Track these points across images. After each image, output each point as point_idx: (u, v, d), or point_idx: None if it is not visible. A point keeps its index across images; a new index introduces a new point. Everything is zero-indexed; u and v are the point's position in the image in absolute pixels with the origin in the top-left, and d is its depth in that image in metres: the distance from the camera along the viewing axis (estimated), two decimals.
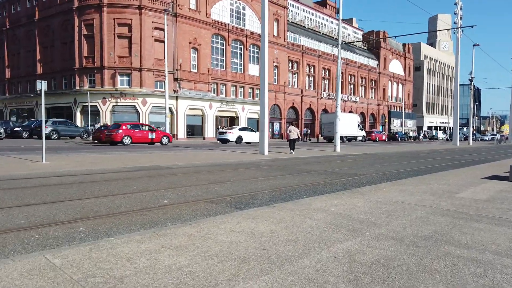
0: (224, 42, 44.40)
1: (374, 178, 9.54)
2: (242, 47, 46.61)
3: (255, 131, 32.65)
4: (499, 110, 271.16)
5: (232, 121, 46.13)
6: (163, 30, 37.62)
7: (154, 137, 25.74)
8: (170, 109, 38.82)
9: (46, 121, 29.60)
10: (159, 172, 9.71)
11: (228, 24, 44.38)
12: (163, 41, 37.80)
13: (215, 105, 42.90)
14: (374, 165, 13.29)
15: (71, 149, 18.68)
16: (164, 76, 37.63)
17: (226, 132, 30.67)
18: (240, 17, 46.20)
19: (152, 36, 37.17)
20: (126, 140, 24.08)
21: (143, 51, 36.80)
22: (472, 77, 39.49)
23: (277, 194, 6.90)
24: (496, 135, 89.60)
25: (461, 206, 5.77)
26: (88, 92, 35.35)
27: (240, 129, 31.77)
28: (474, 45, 39.85)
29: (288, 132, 20.80)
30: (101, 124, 31.65)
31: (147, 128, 26.34)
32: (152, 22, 36.89)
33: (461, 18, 37.63)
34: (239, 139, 30.29)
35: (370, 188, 7.41)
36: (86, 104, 36.09)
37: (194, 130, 42.14)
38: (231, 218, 4.54)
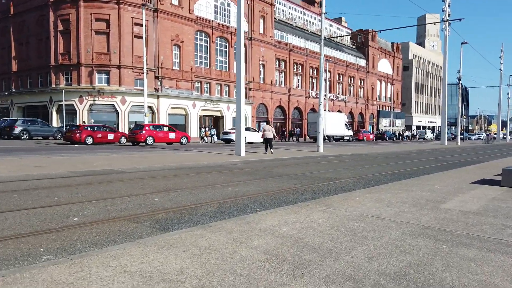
0: (208, 39, 43.11)
1: (350, 184, 8.44)
2: (227, 44, 45.37)
3: (257, 131, 33.73)
4: (487, 110, 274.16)
5: (217, 120, 44.89)
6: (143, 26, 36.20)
7: (174, 137, 27.08)
8: (151, 108, 37.44)
9: (16, 121, 28.13)
10: (105, 178, 8.47)
11: (212, 20, 43.10)
12: (143, 37, 36.42)
13: (198, 104, 41.60)
14: (354, 168, 12.21)
15: (32, 151, 17.27)
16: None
17: (229, 132, 31.44)
18: (225, 13, 44.96)
19: (132, 32, 35.72)
20: (149, 140, 25.25)
21: (122, 47, 35.34)
22: (460, 76, 38.86)
23: (226, 207, 5.73)
24: (482, 134, 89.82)
25: (446, 222, 4.68)
26: (63, 90, 33.74)
27: (245, 130, 32.20)
28: (462, 43, 39.26)
29: (262, 131, 19.76)
30: (72, 124, 30.17)
31: (167, 129, 27.74)
32: (132, 17, 35.45)
33: (449, 15, 36.95)
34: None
35: (341, 197, 6.29)
36: (62, 102, 34.48)
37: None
38: (138, 248, 3.35)
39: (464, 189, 7.45)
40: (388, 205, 5.65)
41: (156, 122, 37.90)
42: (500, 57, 53.13)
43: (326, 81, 61.71)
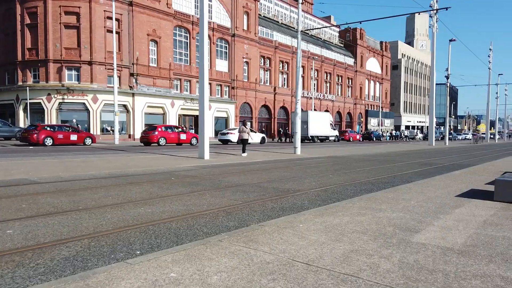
0: (188, 35, 41.24)
1: (306, 199, 6.75)
2: (209, 41, 43.46)
3: (255, 132, 33.99)
4: (475, 110, 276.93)
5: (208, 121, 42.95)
6: (117, 20, 34.26)
7: (185, 138, 27.51)
8: (125, 106, 35.53)
9: None
10: None
11: (193, 16, 41.24)
12: (118, 32, 34.49)
13: (177, 103, 39.70)
14: (325, 174, 10.54)
15: None
16: (119, 70, 34.28)
17: (227, 133, 30.97)
18: None
19: (104, 27, 33.70)
20: (162, 141, 25.78)
21: (94, 42, 33.31)
22: (448, 74, 37.61)
23: (89, 251, 3.98)
24: (467, 133, 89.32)
25: (416, 274, 3.01)
26: (27, 88, 31.57)
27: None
28: (450, 40, 38.01)
29: (239, 132, 18.22)
30: (30, 124, 28.10)
31: (178, 130, 28.15)
32: (104, 11, 33.43)
33: (436, 11, 35.66)
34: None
35: (280, 222, 4.59)
36: (30, 101, 32.32)
37: None
38: None
39: (448, 206, 5.81)
40: (339, 238, 3.97)
41: (132, 121, 36.00)
42: (489, 56, 52.22)
43: (313, 80, 60.24)
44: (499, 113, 63.88)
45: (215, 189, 7.49)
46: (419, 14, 18.00)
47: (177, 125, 35.27)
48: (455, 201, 6.31)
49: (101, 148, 22.38)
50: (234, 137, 29.60)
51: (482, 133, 74.03)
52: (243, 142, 17.57)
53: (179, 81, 40.50)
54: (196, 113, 42.51)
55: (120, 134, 35.76)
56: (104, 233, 4.32)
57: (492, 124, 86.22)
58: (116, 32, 34.50)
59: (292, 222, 4.61)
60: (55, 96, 32.33)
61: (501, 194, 6.43)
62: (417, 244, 3.85)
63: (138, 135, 36.28)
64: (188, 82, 41.47)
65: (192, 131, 35.07)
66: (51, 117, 32.10)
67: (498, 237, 4.17)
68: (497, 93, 59.95)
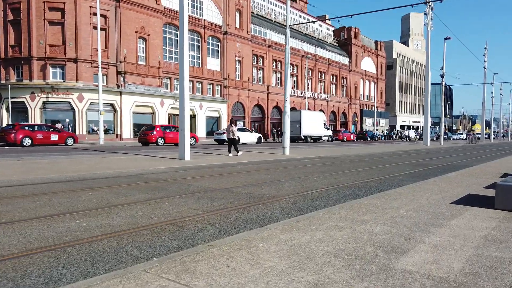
0: (178, 32, 40.17)
1: (280, 207, 5.87)
2: (199, 38, 42.57)
3: (251, 132, 33.84)
4: (471, 109, 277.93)
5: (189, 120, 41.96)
6: (103, 16, 33.29)
7: None
8: (112, 105, 34.53)
9: None
10: None
11: None
12: (104, 29, 33.52)
13: (167, 102, 38.73)
14: (309, 177, 9.68)
15: None
16: (105, 68, 33.33)
17: (223, 133, 30.50)
18: (196, 5, 42.13)
19: (90, 23, 32.67)
20: (160, 141, 25.67)
21: (79, 39, 32.28)
22: (443, 72, 36.94)
23: None
24: (462, 133, 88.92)
25: None
26: (9, 86, 30.47)
27: (238, 130, 31.96)
28: (445, 38, 37.30)
29: (227, 132, 17.53)
30: (9, 123, 27.05)
31: (177, 130, 28.10)
32: (90, 7, 32.39)
33: (431, 9, 34.96)
34: (237, 139, 30.18)
35: (236, 241, 3.71)
36: (13, 99, 31.25)
37: None
38: None
39: (442, 217, 4.95)
40: (303, 265, 3.10)
41: (119, 121, 35.01)
42: (484, 55, 51.68)
43: (307, 79, 59.42)
44: (494, 113, 63.37)
45: (178, 196, 6.59)
46: (412, 6, 17.18)
47: (175, 125, 34.37)
48: (450, 210, 5.46)
49: (82, 148, 21.40)
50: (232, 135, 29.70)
51: (477, 133, 73.59)
52: (230, 142, 17.06)
53: (169, 79, 39.52)
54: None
55: (107, 134, 34.83)
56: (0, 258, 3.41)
57: (487, 124, 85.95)
58: (103, 29, 33.54)
59: (250, 241, 3.73)
60: (39, 94, 31.27)
61: (503, 202, 5.59)
62: (402, 272, 2.99)
63: (126, 135, 35.33)
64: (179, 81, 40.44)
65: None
66: (35, 117, 31.04)
67: (505, 260, 3.32)
68: (492, 92, 59.42)
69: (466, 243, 3.81)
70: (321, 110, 62.78)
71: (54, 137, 22.68)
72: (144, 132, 26.44)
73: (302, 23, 42.96)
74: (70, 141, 23.59)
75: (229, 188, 7.43)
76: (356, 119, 73.02)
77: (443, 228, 4.37)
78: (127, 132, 35.37)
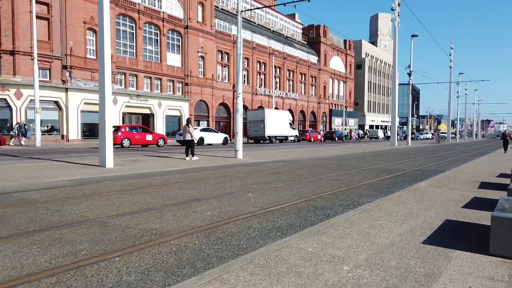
0: (133, 25, 37.27)
1: (151, 264, 3.64)
2: (158, 32, 39.71)
3: (217, 132, 32.27)
4: (436, 109, 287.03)
5: (146, 119, 39.14)
6: (45, 4, 29.99)
7: (151, 139, 25.71)
8: (57, 103, 31.24)
9: None
10: None
11: (139, 4, 37.31)
12: (47, 18, 30.23)
13: (121, 100, 35.69)
14: (243, 192, 7.53)
15: None
16: (48, 62, 30.06)
17: None
18: None
19: (30, 11, 29.16)
20: (126, 142, 24.02)
21: (17, 29, 28.81)
22: (411, 71, 35.98)
23: None
24: (428, 133, 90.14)
25: None
26: None
27: (201, 130, 29.95)
28: (412, 36, 36.38)
29: (183, 133, 15.56)
30: None
31: (144, 130, 26.47)
32: None
33: (398, 5, 33.87)
34: (201, 140, 28.67)
35: None
36: None
37: (95, 130, 34.56)
38: None
39: (411, 279, 2.89)
40: None
41: (65, 120, 31.72)
42: (450, 55, 51.63)
43: (274, 77, 57.62)
44: (459, 113, 64.01)
45: (3, 238, 4.23)
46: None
47: (142, 125, 31.70)
48: (423, 260, 3.42)
49: (1, 153, 18.34)
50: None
51: (442, 133, 74.30)
52: (187, 144, 15.14)
53: (123, 75, 36.47)
54: (144, 111, 38.74)
55: (51, 134, 31.53)
56: None
57: (453, 123, 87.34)
58: (45, 18, 30.26)
59: None
60: None
61: (503, 244, 3.60)
62: None
63: (73, 135, 32.10)
64: (134, 77, 37.50)
65: (23, 128, 29.10)
66: None
67: None
68: (458, 92, 59.86)
69: None
70: (289, 110, 61.15)
71: None
72: None
73: (254, 9, 40.83)
74: None
75: (108, 218, 5.11)
76: (325, 118, 72.07)
77: None
78: (74, 132, 32.12)
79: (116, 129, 24.60)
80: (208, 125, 44.68)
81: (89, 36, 33.08)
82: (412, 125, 68.37)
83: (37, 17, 29.79)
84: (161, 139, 26.44)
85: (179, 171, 11.07)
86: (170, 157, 16.28)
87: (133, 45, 37.31)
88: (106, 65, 11.55)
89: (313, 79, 68.56)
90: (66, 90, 31.35)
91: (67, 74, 31.59)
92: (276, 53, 53.06)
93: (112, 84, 34.65)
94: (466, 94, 63.41)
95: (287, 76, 61.44)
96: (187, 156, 14.98)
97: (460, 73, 55.82)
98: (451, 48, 50.77)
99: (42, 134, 30.06)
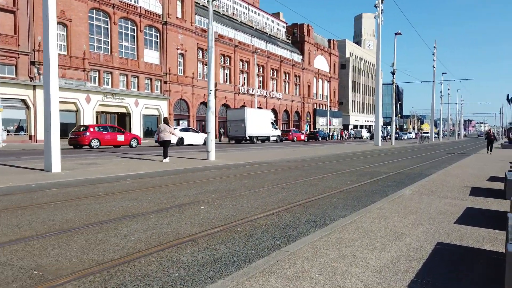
0: (108, 20, 35.56)
1: None
2: (135, 28, 38.07)
3: (198, 132, 31.23)
4: (419, 109, 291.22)
5: (122, 118, 37.46)
6: None
7: (123, 139, 24.40)
8: (24, 101, 29.41)
9: None
10: None
11: None
12: (13, 11, 28.37)
13: (95, 98, 33.95)
14: (198, 203, 6.33)
15: None
16: (14, 58, 28.22)
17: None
18: None
19: None
20: (95, 143, 22.50)
21: None
22: (394, 69, 35.31)
23: None
24: (411, 133, 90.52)
25: None
26: None
27: (181, 130, 28.91)
28: (396, 34, 35.71)
29: (158, 132, 14.33)
30: None
31: (114, 130, 24.95)
32: None
33: (382, 1, 33.11)
34: (181, 140, 27.70)
35: None
36: None
37: (67, 130, 32.73)
38: None
39: None
40: None
41: (33, 120, 29.88)
42: (433, 54, 51.41)
43: (258, 77, 56.49)
44: (442, 113, 63.98)
45: None
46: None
47: (113, 124, 30.08)
48: None
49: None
50: (173, 137, 26.49)
51: (425, 132, 74.41)
52: (163, 144, 14.04)
53: (97, 72, 34.72)
54: (120, 110, 37.03)
55: (17, 135, 29.68)
56: None
57: (436, 123, 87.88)
58: (11, 11, 28.39)
59: None
60: None
61: None
62: None
63: (41, 136, 30.21)
64: (109, 74, 35.79)
65: None
66: None
67: None
68: (441, 91, 59.84)
69: None
70: (273, 109, 60.13)
71: None
72: (76, 133, 23.13)
73: None
74: None
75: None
76: (310, 118, 71.33)
77: None
78: (43, 132, 30.24)
79: (84, 129, 23.18)
80: (188, 124, 43.22)
81: (59, 31, 31.28)
82: (396, 125, 68.30)
83: (1, 9, 28.02)
84: (134, 140, 25.01)
85: (135, 176, 9.77)
86: (138, 158, 14.93)
87: (108, 41, 35.61)
88: (52, 57, 10.17)
89: (297, 78, 67.68)
90: (34, 87, 29.52)
91: (35, 70, 29.76)
92: (259, 51, 51.86)
93: (84, 81, 33.08)
94: (449, 94, 63.53)
95: (271, 75, 60.37)
96: (165, 157, 13.89)
97: (443, 73, 55.73)
98: (434, 47, 50.54)
99: (8, 134, 28.24)
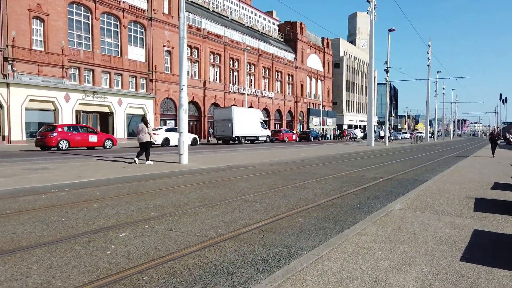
0: (89, 14, 33.93)
1: None
2: (118, 23, 36.45)
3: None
4: (414, 109, 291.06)
5: (105, 118, 35.84)
6: None
7: (96, 140, 23.02)
8: None
9: None
10: None
11: None
12: None
13: (74, 97, 32.29)
14: (125, 225, 4.87)
15: None
16: None
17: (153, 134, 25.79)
18: None
19: None
20: (63, 144, 20.94)
21: None
22: (388, 67, 34.01)
23: None
24: (406, 133, 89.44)
25: None
26: None
27: (167, 130, 27.88)
28: (389, 30, 34.44)
29: (137, 133, 13.44)
30: None
31: (86, 130, 23.35)
32: None
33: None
34: (166, 141, 26.77)
35: None
36: None
37: None
38: None
39: None
40: None
41: (7, 119, 28.19)
42: (428, 52, 50.26)
43: (249, 75, 55.04)
44: (437, 112, 62.90)
45: None
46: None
47: (77, 123, 28.48)
48: None
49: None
50: (157, 138, 25.61)
51: (419, 132, 73.33)
52: (143, 146, 13.23)
53: (77, 69, 33.08)
54: (102, 109, 35.39)
55: None
56: None
57: (430, 123, 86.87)
58: None
59: None
60: None
61: None
62: None
63: (16, 136, 28.61)
64: (91, 72, 34.15)
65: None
66: None
67: None
68: (435, 91, 58.74)
69: None
70: (265, 109, 58.73)
71: None
72: (42, 134, 21.40)
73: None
74: None
75: None
76: (303, 117, 70.00)
77: None
78: (18, 133, 28.62)
79: (52, 129, 21.50)
80: (175, 124, 41.55)
81: (36, 26, 29.62)
82: (390, 125, 67.11)
83: None
84: (109, 140, 23.42)
85: (79, 184, 8.27)
86: (104, 161, 13.42)
87: (89, 37, 33.96)
88: None
89: (290, 77, 66.30)
90: (8, 85, 27.84)
91: (9, 67, 28.07)
92: (249, 48, 50.33)
93: (63, 79, 31.43)
94: (443, 93, 62.50)
95: (263, 73, 58.94)
96: (137, 157, 13.11)
97: (438, 71, 54.67)
98: (429, 45, 49.39)
99: None
